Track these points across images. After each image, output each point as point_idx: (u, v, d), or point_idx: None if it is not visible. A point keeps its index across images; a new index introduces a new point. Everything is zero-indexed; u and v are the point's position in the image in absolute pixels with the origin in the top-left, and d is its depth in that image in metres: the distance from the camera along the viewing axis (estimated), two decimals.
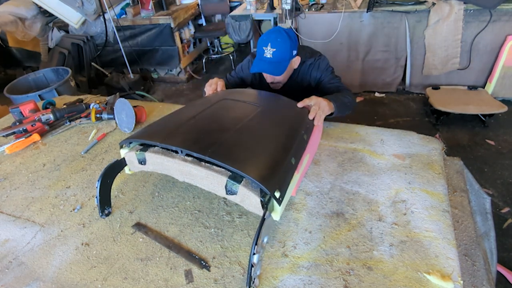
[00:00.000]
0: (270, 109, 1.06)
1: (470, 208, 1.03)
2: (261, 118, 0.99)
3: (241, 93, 1.21)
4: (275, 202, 0.76)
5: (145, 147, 0.92)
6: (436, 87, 2.87)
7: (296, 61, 1.34)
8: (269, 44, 1.25)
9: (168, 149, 0.88)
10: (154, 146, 0.91)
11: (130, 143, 0.96)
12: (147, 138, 0.90)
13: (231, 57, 4.20)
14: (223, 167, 0.79)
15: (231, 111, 1.02)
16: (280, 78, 1.35)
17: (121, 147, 0.97)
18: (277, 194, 0.75)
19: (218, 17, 4.32)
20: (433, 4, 2.64)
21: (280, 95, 1.16)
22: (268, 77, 1.37)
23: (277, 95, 1.17)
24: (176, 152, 0.86)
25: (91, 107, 1.55)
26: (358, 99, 3.18)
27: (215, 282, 0.78)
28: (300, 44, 1.90)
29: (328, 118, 1.18)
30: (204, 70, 4.19)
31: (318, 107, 1.08)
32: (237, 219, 0.94)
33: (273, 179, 0.76)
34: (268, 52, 1.25)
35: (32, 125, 1.43)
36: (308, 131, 0.99)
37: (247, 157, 0.80)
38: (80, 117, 1.54)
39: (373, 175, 1.05)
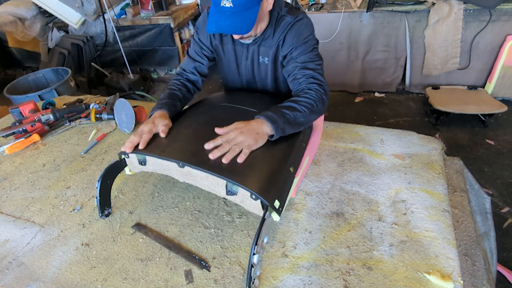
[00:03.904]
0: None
1: (470, 208, 1.03)
2: None
3: (239, 98, 1.17)
4: (275, 202, 0.76)
5: None
6: (436, 87, 2.87)
7: (269, 2, 1.01)
8: None
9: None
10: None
11: (128, 156, 0.94)
12: (144, 151, 0.89)
13: None
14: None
15: (229, 120, 0.94)
16: (250, 32, 1.01)
17: (121, 157, 0.95)
18: (277, 204, 0.75)
19: None
20: (433, 4, 2.64)
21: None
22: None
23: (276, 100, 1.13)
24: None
25: (91, 107, 1.55)
26: (358, 99, 3.18)
27: (215, 282, 0.78)
28: None
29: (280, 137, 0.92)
30: None
31: (234, 142, 0.85)
32: (237, 219, 0.94)
33: (272, 190, 0.76)
34: None
35: (32, 126, 1.43)
36: (306, 138, 0.98)
37: (245, 169, 0.80)
38: (80, 118, 1.53)
39: (373, 175, 1.05)
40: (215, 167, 0.79)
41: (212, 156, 0.83)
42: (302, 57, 1.05)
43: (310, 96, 0.98)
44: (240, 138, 0.85)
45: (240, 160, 0.82)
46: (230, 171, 0.79)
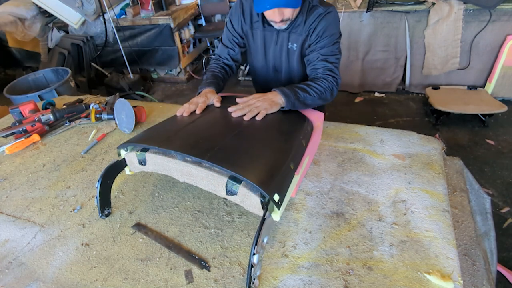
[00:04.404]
0: (268, 114, 1.05)
1: (470, 208, 1.03)
2: (260, 124, 0.99)
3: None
4: (274, 196, 0.76)
5: (145, 147, 0.92)
6: (436, 87, 2.87)
7: None
8: None
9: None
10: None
11: (128, 147, 0.96)
12: (145, 143, 0.90)
13: None
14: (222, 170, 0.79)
15: (230, 117, 1.02)
16: (289, 12, 1.07)
17: (119, 153, 0.97)
18: (276, 198, 0.75)
19: (218, 17, 4.31)
20: (433, 4, 2.64)
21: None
22: (277, 14, 1.07)
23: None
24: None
25: (91, 107, 1.55)
26: (358, 99, 3.18)
27: (215, 282, 0.78)
28: None
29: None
30: (204, 70, 4.19)
31: (253, 106, 1.00)
32: (237, 219, 0.94)
33: (272, 183, 0.76)
34: None
35: (32, 126, 1.43)
36: (306, 137, 0.99)
37: (245, 161, 0.80)
38: (80, 118, 1.53)
39: (373, 175, 1.05)
40: (215, 158, 0.79)
41: (234, 114, 0.99)
42: (325, 50, 1.14)
43: (323, 85, 1.11)
44: (258, 104, 1.01)
45: (259, 118, 0.98)
46: (230, 163, 0.78)
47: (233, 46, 1.31)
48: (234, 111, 1.00)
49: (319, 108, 1.19)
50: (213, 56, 1.35)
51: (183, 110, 1.04)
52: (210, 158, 0.79)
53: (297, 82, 1.29)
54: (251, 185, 0.77)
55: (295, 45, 1.21)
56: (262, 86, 1.45)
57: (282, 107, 1.06)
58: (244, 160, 0.81)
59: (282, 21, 1.10)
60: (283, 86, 1.10)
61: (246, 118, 0.98)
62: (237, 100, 1.06)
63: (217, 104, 1.08)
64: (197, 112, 1.04)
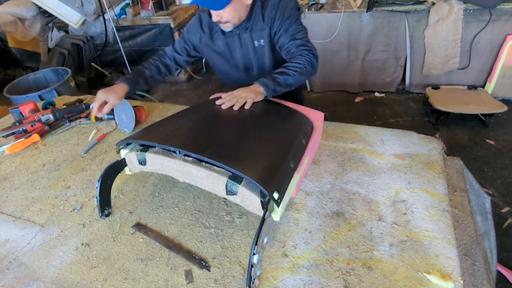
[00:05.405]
0: (268, 113, 1.06)
1: (470, 208, 1.03)
2: (260, 122, 0.99)
3: None
4: (274, 194, 0.76)
5: (145, 147, 0.92)
6: (436, 87, 2.87)
7: None
8: None
9: (167, 150, 0.88)
10: (154, 146, 0.91)
11: (128, 144, 0.96)
12: (144, 140, 0.91)
13: None
14: (222, 168, 0.80)
15: (230, 114, 1.02)
16: (226, 15, 1.15)
17: (119, 150, 0.97)
18: (276, 196, 0.75)
19: None
20: (433, 3, 2.64)
21: (278, 101, 1.16)
22: (213, 14, 1.16)
23: (275, 100, 1.16)
24: (175, 152, 0.86)
25: (90, 107, 1.55)
26: (358, 99, 3.18)
27: (215, 282, 0.78)
28: None
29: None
30: (204, 70, 4.19)
31: (239, 97, 1.04)
32: (237, 219, 0.94)
33: (272, 180, 0.76)
34: None
35: (32, 126, 1.43)
36: (306, 136, 0.99)
37: (245, 159, 0.80)
38: (80, 118, 1.53)
39: (373, 175, 1.05)
40: (215, 155, 0.79)
41: (224, 106, 1.03)
42: (291, 30, 1.19)
43: (299, 61, 1.14)
44: (243, 94, 1.06)
45: (247, 106, 1.02)
46: (229, 160, 0.78)
47: (182, 52, 1.37)
48: (223, 104, 1.04)
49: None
50: (160, 52, 1.41)
51: (95, 112, 1.20)
52: (210, 154, 0.79)
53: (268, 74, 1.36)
54: (251, 185, 0.77)
55: (261, 40, 1.25)
56: (235, 87, 1.46)
57: (266, 96, 1.10)
58: (244, 157, 0.81)
59: (220, 22, 1.19)
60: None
61: (235, 108, 1.02)
62: (222, 94, 1.10)
63: (97, 113, 1.20)
64: (96, 114, 1.21)
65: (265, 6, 1.20)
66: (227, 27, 1.22)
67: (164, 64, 1.38)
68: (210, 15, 1.25)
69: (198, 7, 3.95)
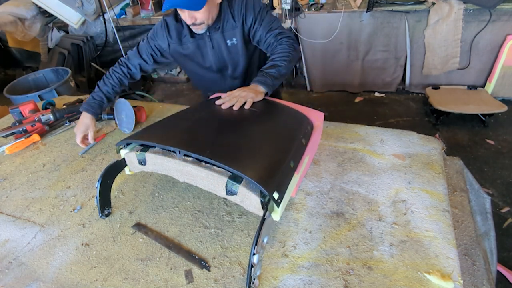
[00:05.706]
0: (268, 113, 1.06)
1: (470, 208, 1.03)
2: (259, 122, 1.00)
3: None
4: (274, 194, 0.76)
5: (145, 147, 0.92)
6: (436, 87, 2.87)
7: None
8: None
9: (167, 150, 0.88)
10: (154, 146, 0.91)
11: (128, 144, 0.96)
12: (144, 140, 0.91)
13: None
14: (221, 168, 0.80)
15: (230, 114, 1.02)
16: (200, 16, 1.14)
17: (119, 150, 0.97)
18: (276, 196, 0.75)
19: None
20: (433, 3, 2.64)
21: (278, 101, 1.16)
22: (187, 17, 1.15)
23: (275, 100, 1.16)
24: (175, 152, 0.86)
25: None
26: (358, 99, 3.18)
27: (215, 282, 0.78)
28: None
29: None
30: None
31: (239, 97, 1.04)
32: (237, 219, 0.94)
33: (272, 180, 0.76)
34: None
35: (32, 126, 1.43)
36: (306, 136, 0.99)
37: (245, 159, 0.81)
38: None
39: (373, 175, 1.05)
40: (214, 155, 0.79)
41: (224, 106, 1.03)
42: (264, 22, 1.22)
43: (283, 49, 1.17)
44: (243, 94, 1.05)
45: (247, 106, 1.02)
46: (229, 160, 0.78)
47: (149, 60, 1.34)
48: (223, 104, 1.04)
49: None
50: (122, 58, 1.39)
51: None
52: (210, 154, 0.79)
53: (243, 72, 1.37)
54: (251, 185, 0.77)
55: (234, 39, 1.26)
56: (209, 88, 1.49)
57: (267, 93, 1.11)
58: (244, 157, 0.81)
59: (194, 24, 1.17)
60: (232, 79, 1.28)
61: (235, 107, 1.02)
62: (221, 95, 1.10)
63: (84, 146, 1.30)
64: (84, 146, 1.29)
65: (232, 5, 1.21)
66: (200, 29, 1.21)
67: (127, 74, 1.37)
68: (176, 19, 1.26)
69: None
